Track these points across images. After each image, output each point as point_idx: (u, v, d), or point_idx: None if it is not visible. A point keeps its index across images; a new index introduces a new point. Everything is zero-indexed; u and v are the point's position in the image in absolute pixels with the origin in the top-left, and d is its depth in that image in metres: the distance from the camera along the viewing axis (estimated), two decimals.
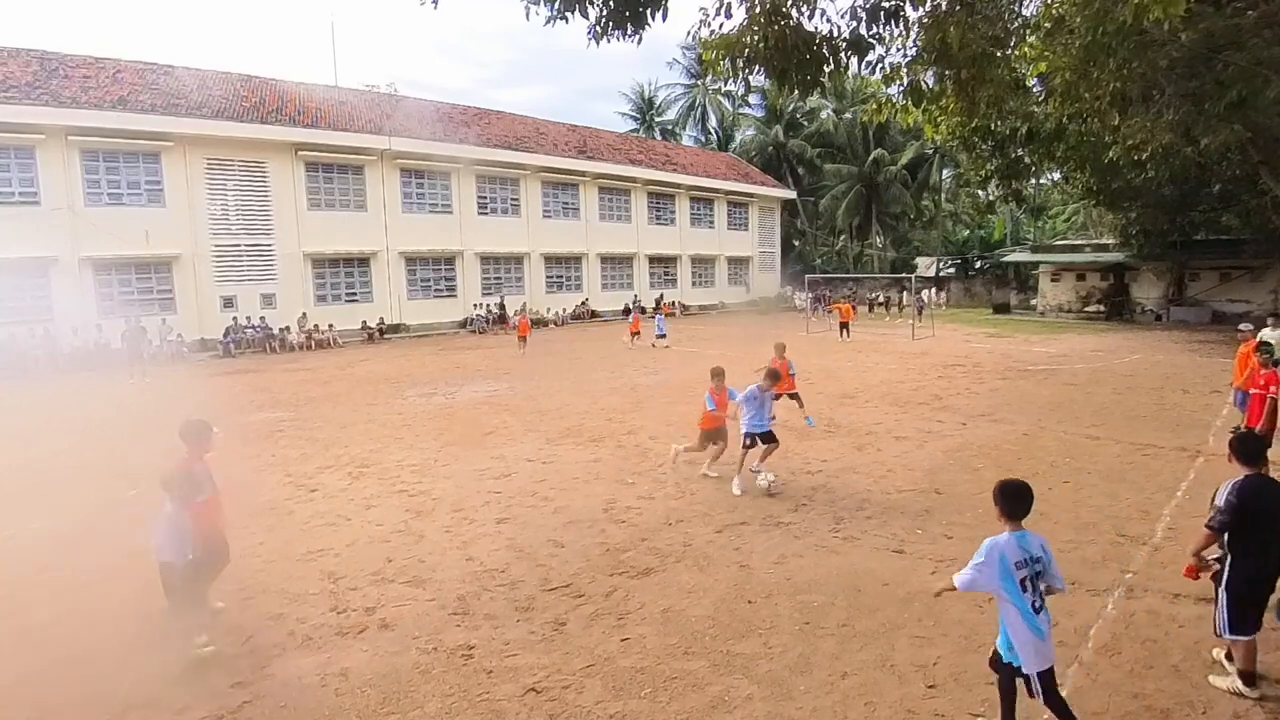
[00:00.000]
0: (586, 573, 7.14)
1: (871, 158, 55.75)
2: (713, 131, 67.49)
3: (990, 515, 8.47)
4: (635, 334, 28.15)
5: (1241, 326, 14.06)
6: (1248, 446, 5.11)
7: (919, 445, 11.90)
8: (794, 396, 12.66)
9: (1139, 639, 5.74)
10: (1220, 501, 4.97)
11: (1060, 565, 7.01)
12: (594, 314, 42.04)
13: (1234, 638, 5.02)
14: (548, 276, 41.32)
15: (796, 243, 63.90)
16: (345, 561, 7.56)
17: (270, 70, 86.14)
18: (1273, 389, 10.74)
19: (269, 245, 30.90)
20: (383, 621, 6.23)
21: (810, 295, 40.26)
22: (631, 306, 40.89)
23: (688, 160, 51.25)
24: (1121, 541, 7.69)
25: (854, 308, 35.00)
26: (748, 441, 9.72)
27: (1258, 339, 12.91)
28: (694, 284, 50.01)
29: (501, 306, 37.96)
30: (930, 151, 54.50)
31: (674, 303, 45.43)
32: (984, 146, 17.72)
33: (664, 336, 27.58)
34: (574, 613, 6.34)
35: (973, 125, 14.85)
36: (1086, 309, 40.45)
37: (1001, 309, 44.34)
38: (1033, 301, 44.74)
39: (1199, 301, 36.68)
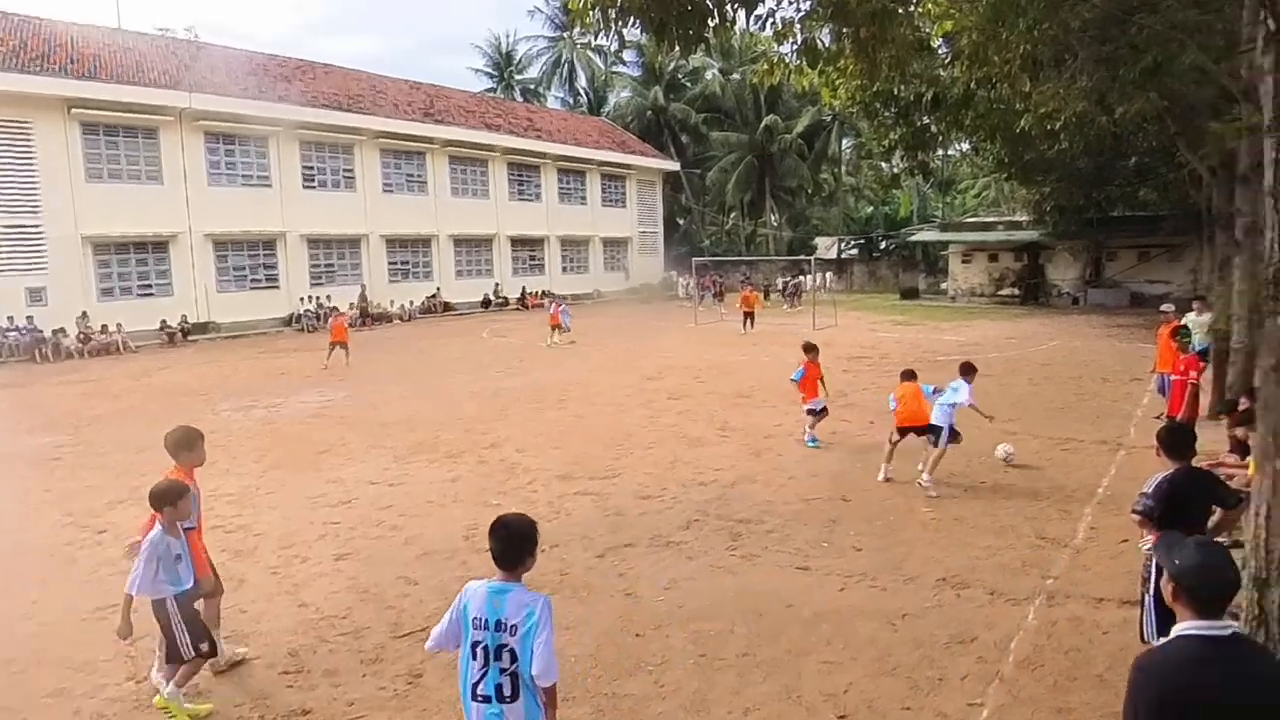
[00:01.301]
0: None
1: (763, 125, 57.26)
2: (583, 93, 67.79)
3: (901, 523, 8.92)
4: (556, 327, 27.61)
5: (1164, 308, 15.30)
6: (1175, 439, 5.56)
7: (823, 448, 12.33)
8: (819, 412, 12.87)
9: (1062, 649, 6.13)
10: (1149, 489, 5.34)
11: (980, 572, 7.53)
12: (448, 306, 41.57)
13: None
14: (390, 263, 40.52)
15: (681, 221, 64.90)
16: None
17: (34, 6, 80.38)
18: (1192, 374, 11.73)
19: (36, 226, 28.84)
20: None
21: (697, 281, 40.92)
22: (538, 294, 40.39)
23: (554, 126, 51.27)
24: (1042, 545, 8.20)
25: (759, 296, 35.79)
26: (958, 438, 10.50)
27: (1180, 323, 14.09)
28: (564, 269, 50.11)
29: (364, 299, 37.19)
30: (828, 119, 56.39)
31: (542, 292, 45.38)
32: (886, 113, 18.36)
33: (568, 330, 27.61)
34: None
35: (874, 89, 15.39)
36: (1000, 292, 42.94)
37: (909, 294, 46.48)
38: (943, 285, 47.07)
39: (1117, 283, 39.59)
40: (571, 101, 67.59)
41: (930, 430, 10.44)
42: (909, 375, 11.06)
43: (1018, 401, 15.50)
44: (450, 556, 8.34)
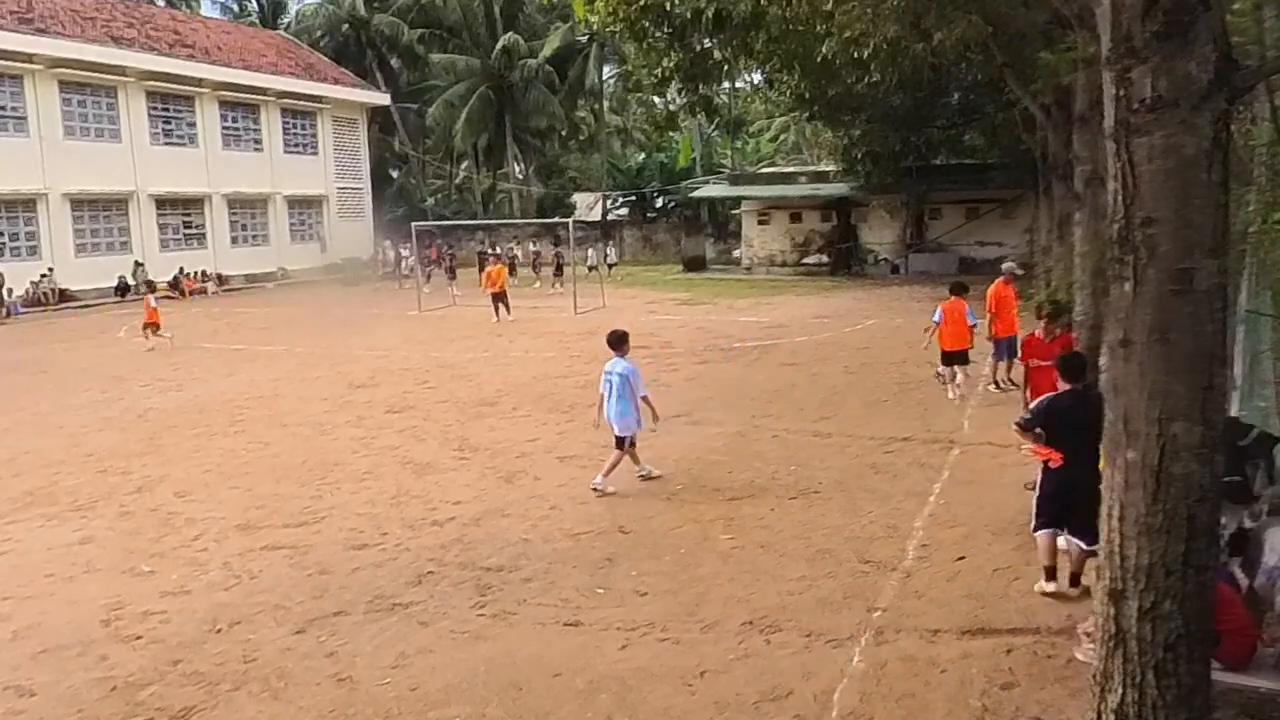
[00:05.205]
0: None
1: (500, 46, 57.38)
2: None
3: (695, 556, 9.21)
4: (152, 325, 26.16)
5: (1006, 265, 16.99)
6: (1069, 364, 8.01)
7: (594, 466, 12.49)
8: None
9: (894, 695, 6.53)
10: (1033, 406, 7.75)
11: (793, 610, 7.91)
12: (64, 295, 39.72)
13: (1035, 532, 8.04)
14: None
15: (395, 174, 64.02)
16: None
17: None
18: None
19: None
20: None
21: (419, 253, 40.24)
22: (198, 276, 38.53)
23: (213, 41, 49.55)
24: (866, 570, 8.71)
25: (507, 270, 35.40)
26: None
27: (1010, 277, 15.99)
28: (235, 241, 48.62)
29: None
30: (584, 40, 57.25)
31: (200, 273, 43.59)
32: (658, 34, 18.79)
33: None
34: None
35: (641, 3, 15.79)
36: (805, 260, 45.42)
37: (695, 264, 48.24)
38: (735, 253, 49.09)
39: (943, 246, 42.84)
40: (237, 9, 65.48)
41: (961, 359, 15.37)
42: (959, 289, 15.71)
43: (832, 395, 16.39)
44: (83, 650, 7.80)
